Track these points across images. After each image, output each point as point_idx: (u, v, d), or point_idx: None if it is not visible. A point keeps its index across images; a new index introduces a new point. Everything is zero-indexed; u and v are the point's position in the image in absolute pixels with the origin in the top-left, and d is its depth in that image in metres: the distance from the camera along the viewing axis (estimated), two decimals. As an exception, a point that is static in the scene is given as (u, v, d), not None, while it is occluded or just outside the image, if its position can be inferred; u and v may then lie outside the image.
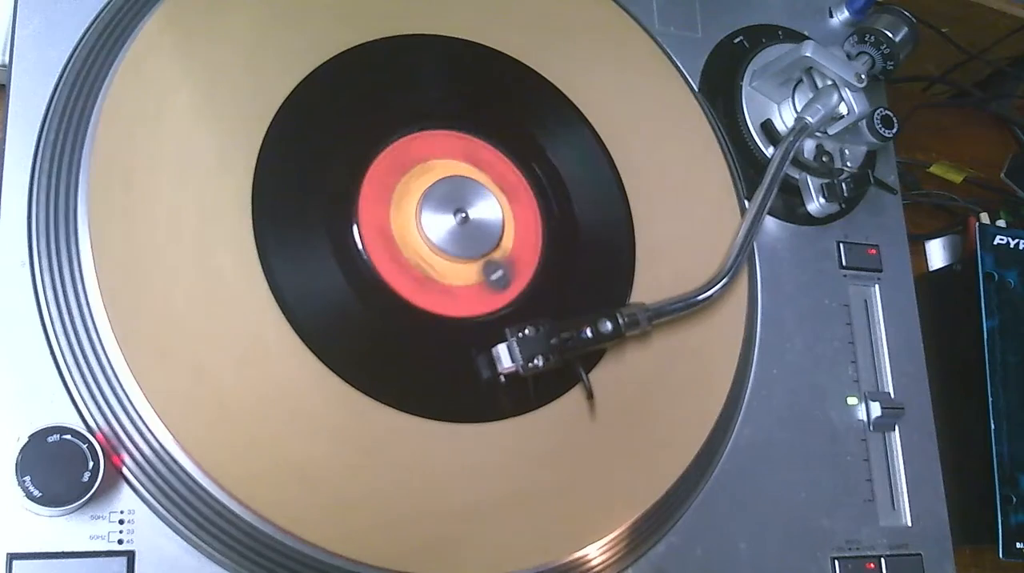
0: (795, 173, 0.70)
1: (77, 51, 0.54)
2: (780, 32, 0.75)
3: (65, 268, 0.50)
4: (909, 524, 0.66)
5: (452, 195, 0.59)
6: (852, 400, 0.68)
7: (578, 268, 0.62)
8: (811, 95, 0.69)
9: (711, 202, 0.68)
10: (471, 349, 0.57)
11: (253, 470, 0.50)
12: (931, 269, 0.86)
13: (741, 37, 0.74)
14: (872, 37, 0.72)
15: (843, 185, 0.70)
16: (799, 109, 0.69)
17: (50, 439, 0.46)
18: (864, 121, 0.69)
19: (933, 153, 0.91)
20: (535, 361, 0.56)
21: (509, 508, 0.55)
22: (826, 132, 0.70)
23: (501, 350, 0.56)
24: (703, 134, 0.69)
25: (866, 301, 0.71)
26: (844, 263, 0.71)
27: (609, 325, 0.58)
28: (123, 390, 0.49)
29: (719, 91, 0.72)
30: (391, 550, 0.52)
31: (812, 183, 0.70)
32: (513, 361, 0.56)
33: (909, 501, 0.67)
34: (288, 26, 0.59)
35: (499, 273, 0.58)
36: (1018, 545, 0.72)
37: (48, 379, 0.49)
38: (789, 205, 0.71)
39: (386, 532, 0.52)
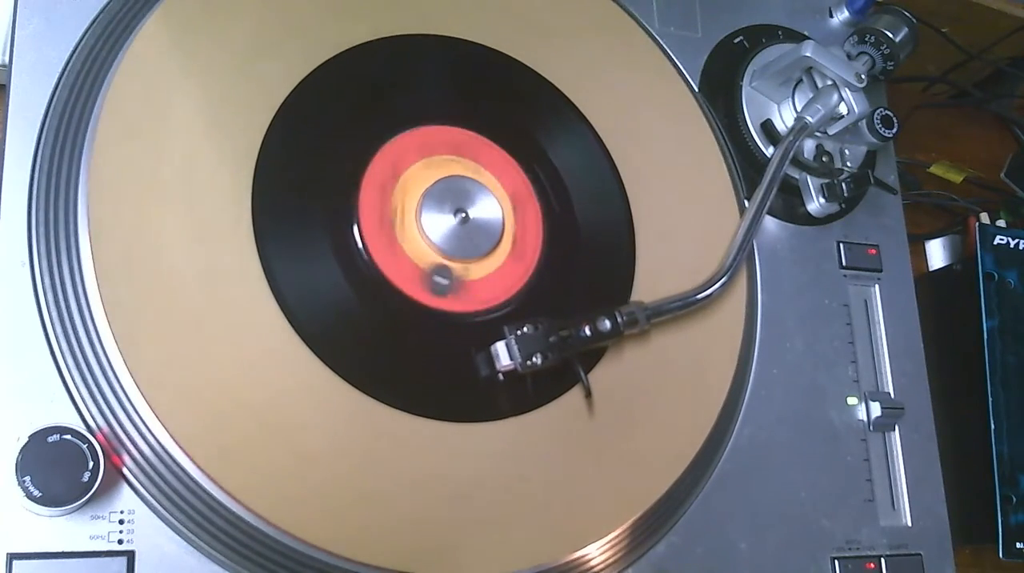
0: (795, 173, 0.70)
1: (77, 51, 0.54)
2: (780, 32, 0.75)
3: (65, 268, 0.50)
4: (909, 524, 0.66)
5: (453, 194, 0.59)
6: (852, 400, 0.68)
7: (578, 267, 0.62)
8: (811, 95, 0.69)
9: (711, 202, 0.68)
10: (471, 348, 0.57)
11: (253, 470, 0.50)
12: (931, 269, 0.86)
13: (741, 37, 0.74)
14: (872, 37, 0.72)
15: (843, 185, 0.70)
16: (799, 109, 0.69)
17: (50, 439, 0.46)
18: (864, 121, 0.69)
19: (933, 153, 0.91)
20: (533, 359, 0.56)
21: (509, 508, 0.55)
22: (826, 132, 0.70)
23: (499, 347, 0.56)
24: (703, 134, 0.69)
25: (866, 301, 0.71)
26: (844, 263, 0.71)
27: (608, 323, 0.58)
28: (123, 390, 0.49)
29: (719, 91, 0.72)
30: (391, 550, 0.52)
31: (812, 183, 0.70)
32: (511, 359, 0.56)
33: (909, 501, 0.67)
34: (288, 26, 0.59)
35: (445, 282, 0.58)
36: (1018, 545, 0.72)
37: (48, 379, 0.49)
38: (789, 205, 0.71)
39: (386, 532, 0.52)
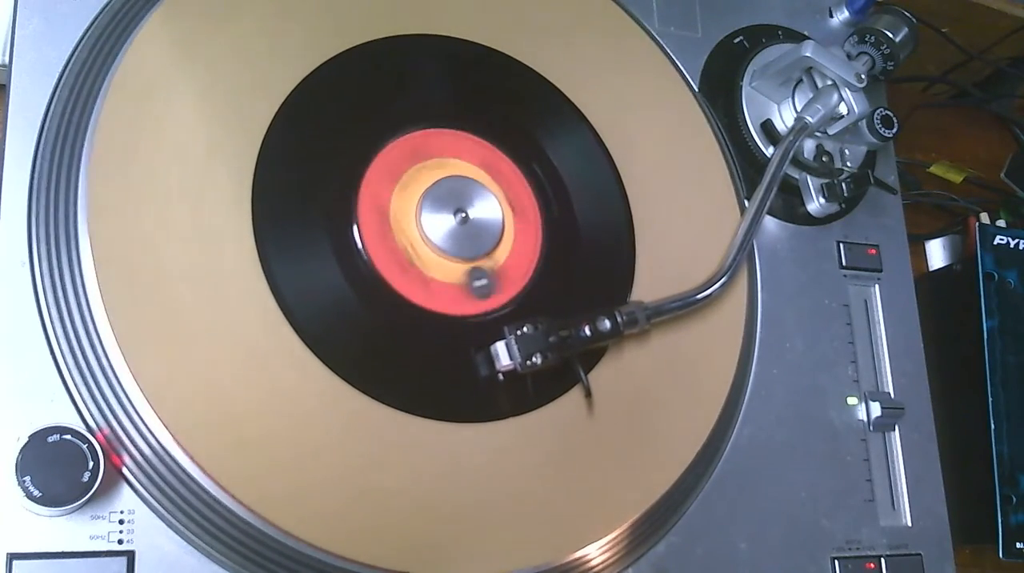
0: (795, 173, 0.70)
1: (77, 51, 0.54)
2: (780, 32, 0.75)
3: (65, 268, 0.50)
4: (909, 524, 0.66)
5: (453, 194, 0.59)
6: (852, 400, 0.68)
7: (578, 267, 0.62)
8: (811, 95, 0.69)
9: (711, 202, 0.68)
10: (471, 348, 0.57)
11: (253, 470, 0.50)
12: (931, 269, 0.86)
13: (741, 37, 0.74)
14: (872, 37, 0.72)
15: (843, 185, 0.70)
16: (799, 109, 0.69)
17: (50, 439, 0.46)
18: (864, 121, 0.69)
19: (933, 153, 0.91)
20: (533, 359, 0.56)
21: (509, 508, 0.55)
22: (826, 132, 0.70)
23: (499, 347, 0.56)
24: (703, 134, 0.69)
25: (866, 301, 0.71)
26: (844, 263, 0.71)
27: (608, 323, 0.58)
28: (123, 390, 0.49)
29: (719, 91, 0.72)
30: (391, 550, 0.52)
31: (812, 183, 0.70)
32: (511, 359, 0.56)
33: (909, 501, 0.67)
34: (288, 26, 0.59)
35: (483, 282, 0.58)
36: (1018, 545, 0.72)
37: (48, 379, 0.49)
38: (789, 205, 0.71)
39: (386, 532, 0.52)
